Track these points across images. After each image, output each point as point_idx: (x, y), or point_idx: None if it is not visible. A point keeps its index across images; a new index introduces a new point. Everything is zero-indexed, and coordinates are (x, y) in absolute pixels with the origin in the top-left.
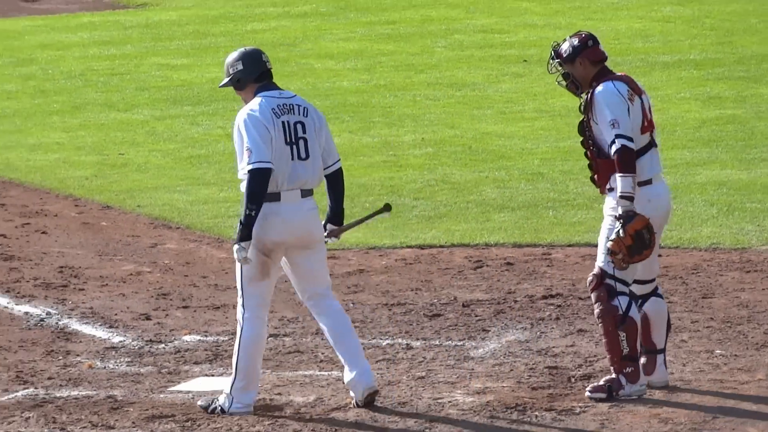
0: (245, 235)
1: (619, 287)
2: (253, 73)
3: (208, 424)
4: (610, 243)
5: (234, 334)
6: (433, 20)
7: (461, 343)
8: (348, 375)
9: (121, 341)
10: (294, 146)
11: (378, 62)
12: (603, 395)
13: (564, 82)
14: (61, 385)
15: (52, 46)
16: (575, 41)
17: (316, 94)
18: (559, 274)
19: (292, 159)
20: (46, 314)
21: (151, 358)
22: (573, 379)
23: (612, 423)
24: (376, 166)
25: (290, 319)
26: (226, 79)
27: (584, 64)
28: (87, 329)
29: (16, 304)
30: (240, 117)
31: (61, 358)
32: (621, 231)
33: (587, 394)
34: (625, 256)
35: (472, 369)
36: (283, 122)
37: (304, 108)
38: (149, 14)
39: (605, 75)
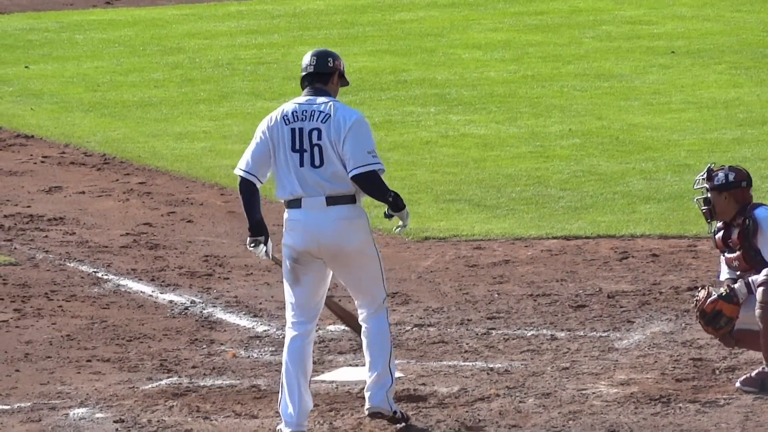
0: (249, 228)
1: None
2: (300, 78)
3: (351, 414)
4: (701, 292)
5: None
6: (581, 11)
7: (606, 334)
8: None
9: (265, 330)
10: (304, 153)
11: (525, 53)
12: (755, 390)
13: (703, 206)
14: (204, 374)
15: (200, 34)
16: (731, 176)
17: (463, 85)
18: (705, 266)
19: (301, 165)
20: (191, 303)
21: None
22: (717, 371)
23: (756, 415)
24: (522, 156)
25: (435, 310)
26: None
27: (729, 200)
28: (231, 318)
29: (161, 293)
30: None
31: (205, 346)
32: (714, 294)
33: (737, 385)
34: (698, 314)
35: (617, 360)
36: (292, 129)
37: (326, 115)
38: (297, 3)
39: (751, 207)
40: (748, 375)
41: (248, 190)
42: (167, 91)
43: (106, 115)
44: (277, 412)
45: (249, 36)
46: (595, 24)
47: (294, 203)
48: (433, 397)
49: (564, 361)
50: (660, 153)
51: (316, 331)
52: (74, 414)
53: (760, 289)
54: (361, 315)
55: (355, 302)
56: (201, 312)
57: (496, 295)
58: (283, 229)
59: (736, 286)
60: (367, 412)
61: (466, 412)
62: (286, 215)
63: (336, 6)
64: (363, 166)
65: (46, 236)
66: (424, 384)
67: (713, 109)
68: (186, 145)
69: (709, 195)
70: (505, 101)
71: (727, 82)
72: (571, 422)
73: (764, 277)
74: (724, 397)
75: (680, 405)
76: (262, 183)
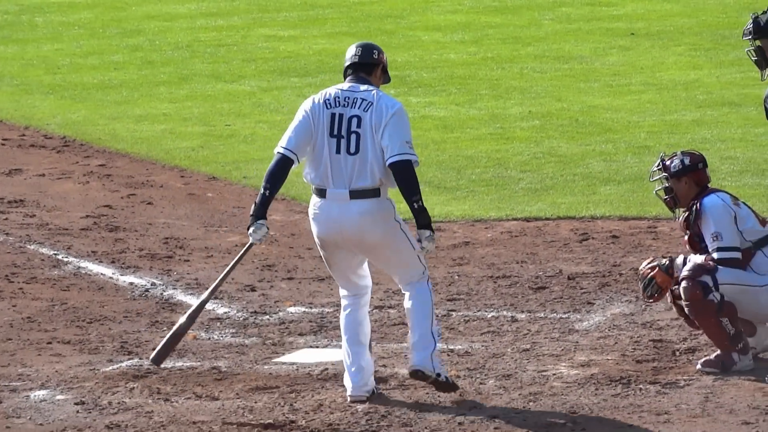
0: (253, 210)
1: (714, 283)
2: (344, 68)
3: (312, 396)
4: (646, 265)
5: (339, 305)
6: None
7: (566, 315)
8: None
9: (225, 312)
10: (341, 139)
11: (485, 35)
12: (716, 371)
13: (665, 196)
14: None
15: (160, 17)
16: (687, 160)
17: (423, 67)
18: (665, 247)
19: (337, 152)
20: (151, 285)
21: (256, 329)
22: (677, 353)
23: (716, 396)
24: (482, 138)
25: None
26: None
27: (689, 184)
28: (192, 300)
29: (122, 275)
30: None
31: (165, 328)
32: (656, 264)
33: (698, 367)
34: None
35: (577, 342)
36: (332, 114)
37: (368, 103)
38: None
39: (706, 192)
40: (707, 357)
41: (283, 169)
42: (127, 74)
43: (66, 97)
44: (238, 394)
45: (209, 18)
46: (555, 5)
47: (320, 192)
48: (394, 379)
49: (524, 342)
50: (620, 135)
51: (277, 313)
52: (35, 396)
53: (682, 284)
54: (402, 288)
55: (394, 279)
56: (161, 294)
57: (456, 277)
58: (310, 216)
59: (677, 260)
60: (408, 371)
61: (427, 393)
62: (311, 202)
63: None
64: (400, 154)
65: (6, 219)
66: (384, 366)
67: (673, 91)
68: (146, 128)
69: (669, 184)
70: (465, 83)
71: (687, 64)
72: (531, 404)
73: (686, 272)
74: (684, 378)
75: (640, 386)
76: (297, 162)
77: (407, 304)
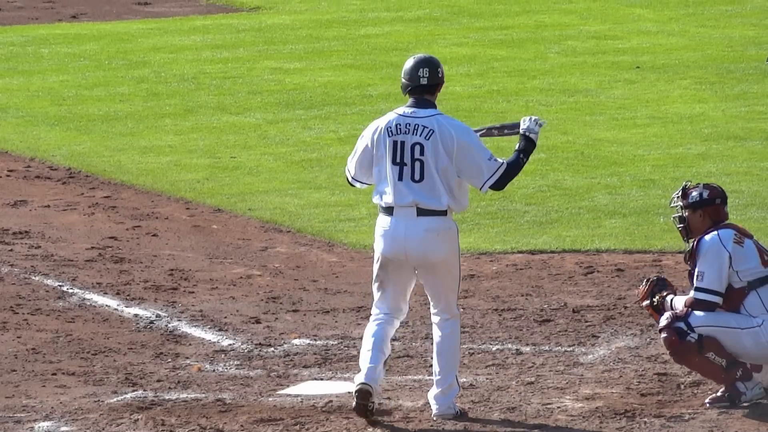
0: None
1: (688, 327)
2: (405, 86)
3: (316, 428)
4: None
5: (344, 337)
6: (546, 26)
7: (571, 348)
8: (433, 390)
9: (230, 344)
10: (404, 167)
11: (491, 68)
12: (725, 405)
13: (678, 225)
14: (170, 388)
15: (165, 49)
16: (706, 193)
17: None
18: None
19: (400, 179)
20: (156, 317)
21: (261, 361)
22: (682, 386)
23: (721, 430)
24: None
25: (400, 324)
26: None
27: (704, 218)
28: (196, 332)
29: (126, 307)
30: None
31: (170, 360)
32: (647, 302)
33: (707, 405)
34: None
35: (582, 375)
36: (394, 141)
37: (430, 130)
38: (262, 18)
39: (716, 227)
40: (714, 394)
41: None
42: (132, 105)
43: (71, 129)
44: (242, 426)
45: (214, 50)
46: (560, 39)
47: (387, 210)
48: (398, 411)
49: (529, 375)
50: (625, 168)
51: (282, 345)
52: (39, 427)
53: (661, 336)
54: (436, 319)
55: (431, 306)
56: (166, 326)
57: (461, 310)
58: (376, 234)
59: (666, 300)
60: (435, 417)
61: (431, 426)
62: (378, 220)
63: (301, 21)
64: (491, 177)
65: (11, 250)
66: (389, 398)
67: (678, 124)
68: (151, 159)
69: (684, 213)
70: (471, 116)
71: (692, 97)
72: None
73: (661, 323)
74: (689, 411)
75: (645, 420)
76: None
77: (439, 336)
